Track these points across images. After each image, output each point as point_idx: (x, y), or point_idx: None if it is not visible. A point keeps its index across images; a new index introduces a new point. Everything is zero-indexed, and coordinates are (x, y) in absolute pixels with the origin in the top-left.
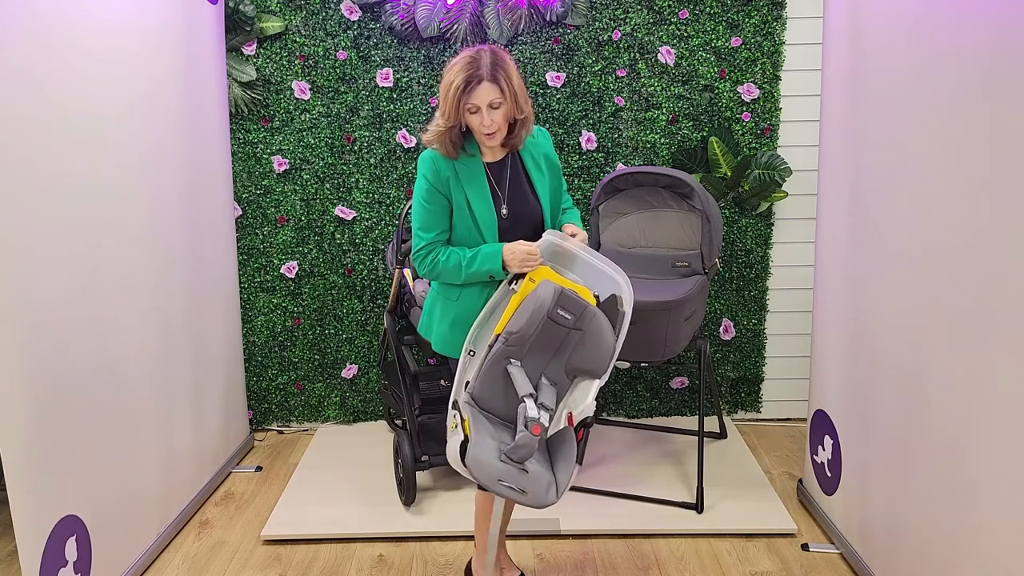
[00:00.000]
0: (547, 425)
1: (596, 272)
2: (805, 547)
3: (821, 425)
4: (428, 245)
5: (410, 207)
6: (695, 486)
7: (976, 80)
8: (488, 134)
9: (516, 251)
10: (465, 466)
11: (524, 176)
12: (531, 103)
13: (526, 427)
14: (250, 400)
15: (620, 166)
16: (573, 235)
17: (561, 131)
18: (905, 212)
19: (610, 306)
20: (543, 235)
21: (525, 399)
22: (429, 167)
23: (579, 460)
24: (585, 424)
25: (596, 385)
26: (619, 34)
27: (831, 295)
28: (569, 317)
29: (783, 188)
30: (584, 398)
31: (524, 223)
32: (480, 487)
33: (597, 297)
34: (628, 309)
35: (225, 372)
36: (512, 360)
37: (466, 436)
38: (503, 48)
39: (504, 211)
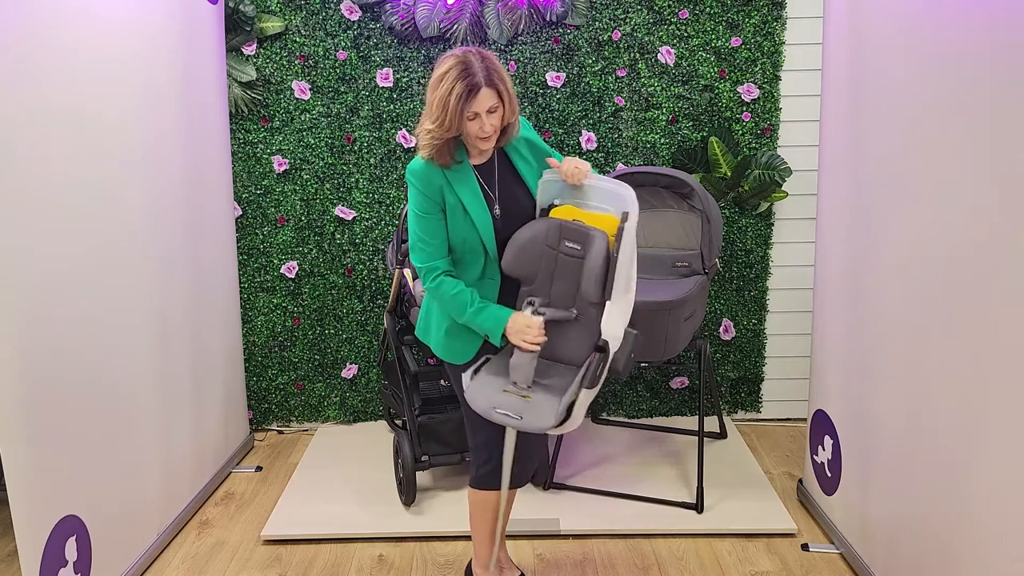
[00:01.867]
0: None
1: (609, 194)
2: (805, 547)
3: (821, 425)
4: (433, 257)
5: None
6: (695, 486)
7: (976, 79)
8: (484, 138)
9: (516, 324)
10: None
11: (512, 171)
12: (518, 103)
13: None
14: (250, 400)
15: (620, 166)
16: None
17: (561, 131)
18: (905, 212)
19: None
20: (540, 181)
21: (525, 305)
22: (420, 178)
23: (589, 384)
24: (599, 348)
25: (608, 308)
26: (619, 34)
27: (831, 295)
28: (577, 247)
29: (783, 188)
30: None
31: (518, 219)
32: (472, 485)
33: (626, 213)
34: (631, 222)
35: (225, 372)
36: (533, 298)
37: (472, 377)
38: (486, 49)
39: (496, 211)
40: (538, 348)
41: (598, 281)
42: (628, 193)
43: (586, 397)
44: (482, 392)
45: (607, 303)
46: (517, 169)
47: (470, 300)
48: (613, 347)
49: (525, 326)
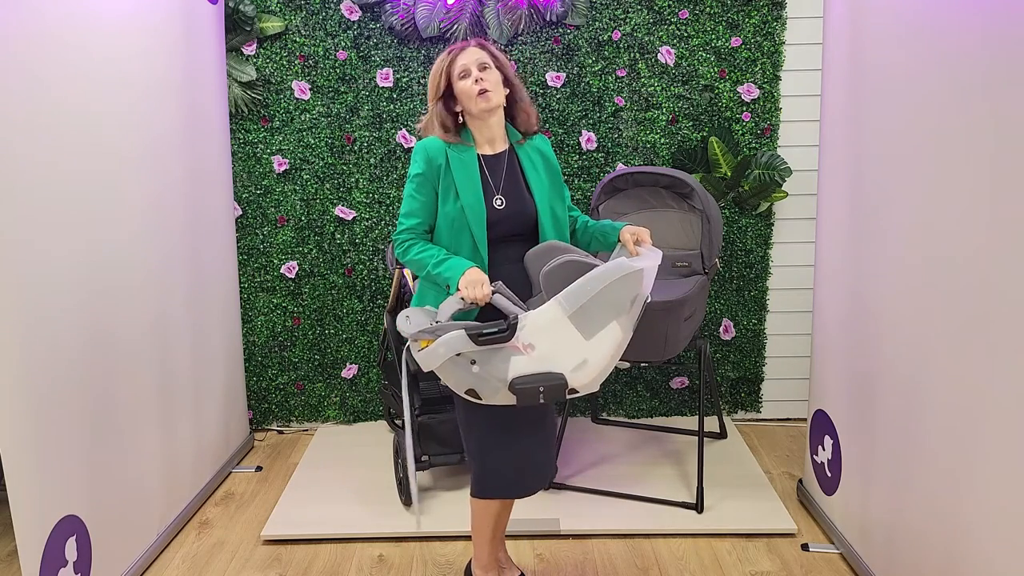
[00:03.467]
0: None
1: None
2: (805, 547)
3: (821, 425)
4: (409, 231)
5: None
6: (695, 486)
7: (977, 79)
8: (481, 92)
9: (471, 275)
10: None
11: (520, 172)
12: (531, 102)
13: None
14: (250, 400)
15: (620, 166)
16: (637, 240)
17: (561, 131)
18: (905, 211)
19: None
20: (616, 258)
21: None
22: (422, 155)
23: (471, 333)
24: (510, 323)
25: (549, 311)
26: (619, 34)
27: (831, 295)
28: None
29: (783, 188)
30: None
31: (517, 217)
32: (472, 494)
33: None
34: (636, 267)
35: (225, 372)
36: (500, 283)
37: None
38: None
39: (498, 202)
40: (470, 303)
41: (567, 270)
42: (656, 256)
43: (452, 343)
44: (413, 314)
45: (551, 303)
46: (524, 170)
47: (435, 253)
48: (527, 360)
49: (479, 281)
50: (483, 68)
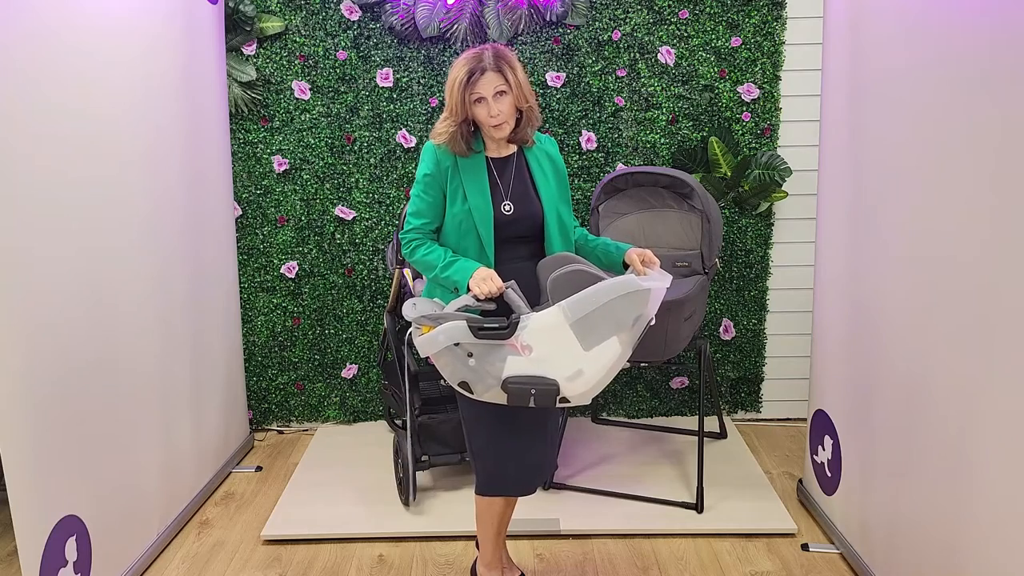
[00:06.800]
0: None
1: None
2: (805, 547)
3: (821, 425)
4: (416, 231)
5: None
6: (695, 486)
7: (977, 79)
8: (496, 125)
9: (481, 272)
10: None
11: (528, 175)
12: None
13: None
14: (250, 400)
15: (620, 166)
16: (645, 260)
17: (561, 131)
18: (905, 211)
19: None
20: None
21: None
22: (431, 156)
23: (470, 325)
24: (510, 320)
25: (551, 316)
26: (619, 34)
27: (831, 295)
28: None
29: (783, 188)
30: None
31: (524, 220)
32: (477, 492)
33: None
34: (642, 285)
35: (225, 372)
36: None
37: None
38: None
39: (507, 207)
40: (481, 298)
41: (571, 279)
42: (665, 280)
43: (450, 331)
44: (420, 302)
45: (554, 308)
46: (532, 173)
47: (441, 255)
48: (524, 360)
49: (489, 276)
50: (499, 95)
